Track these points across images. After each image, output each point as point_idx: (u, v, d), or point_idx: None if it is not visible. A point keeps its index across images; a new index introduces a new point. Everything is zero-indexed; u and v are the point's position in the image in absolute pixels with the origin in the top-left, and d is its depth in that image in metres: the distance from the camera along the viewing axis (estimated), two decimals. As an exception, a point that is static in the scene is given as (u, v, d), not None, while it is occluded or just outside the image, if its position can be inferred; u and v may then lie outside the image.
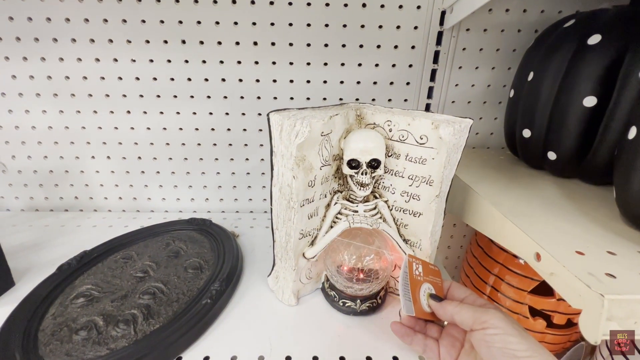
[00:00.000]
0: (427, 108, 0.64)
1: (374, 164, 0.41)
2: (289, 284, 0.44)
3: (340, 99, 0.62)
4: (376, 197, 0.44)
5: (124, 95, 0.61)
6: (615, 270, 0.29)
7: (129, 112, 0.62)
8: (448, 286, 0.36)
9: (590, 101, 0.42)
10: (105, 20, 0.55)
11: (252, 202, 0.72)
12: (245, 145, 0.66)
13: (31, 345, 0.36)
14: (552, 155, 0.48)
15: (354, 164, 0.41)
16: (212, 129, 0.64)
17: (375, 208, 0.44)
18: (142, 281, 0.46)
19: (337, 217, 0.43)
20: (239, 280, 0.49)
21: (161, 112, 0.62)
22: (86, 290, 0.44)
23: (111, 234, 0.57)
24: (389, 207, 0.44)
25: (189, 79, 0.60)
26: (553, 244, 0.33)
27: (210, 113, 0.63)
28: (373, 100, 0.63)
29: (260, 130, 0.64)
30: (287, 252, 0.42)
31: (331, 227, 0.43)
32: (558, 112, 0.45)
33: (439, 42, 0.59)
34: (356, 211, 0.43)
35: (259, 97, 0.62)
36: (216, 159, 0.67)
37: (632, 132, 0.34)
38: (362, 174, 0.41)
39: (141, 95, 0.61)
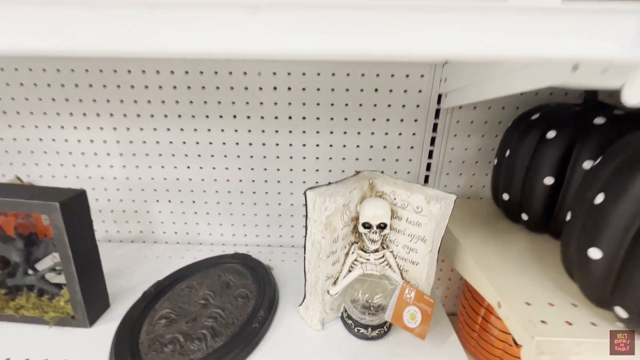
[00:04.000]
0: (428, 167, 0.77)
1: (382, 226, 0.54)
2: (316, 314, 0.58)
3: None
4: (384, 248, 0.58)
5: (186, 155, 0.77)
6: (549, 318, 0.41)
7: (188, 167, 0.79)
8: None
9: (549, 180, 0.54)
10: (177, 102, 0.72)
11: (282, 238, 0.86)
12: (279, 193, 0.81)
13: (136, 354, 0.51)
14: (525, 216, 0.60)
15: (367, 225, 0.54)
16: (253, 181, 0.80)
17: (383, 257, 0.57)
18: (205, 307, 0.60)
19: (353, 264, 0.57)
20: (277, 308, 0.63)
21: (213, 168, 0.78)
22: (166, 314, 0.58)
23: (172, 264, 0.72)
24: (393, 256, 0.58)
25: (237, 144, 0.76)
26: (510, 296, 0.45)
27: (252, 169, 0.78)
28: (383, 160, 0.77)
29: (291, 182, 0.79)
30: (316, 289, 0.56)
31: (349, 271, 0.57)
32: (527, 185, 0.57)
33: (437, 116, 0.73)
34: (368, 259, 0.56)
35: (291, 157, 0.77)
36: (254, 203, 0.82)
37: (568, 216, 0.47)
38: (373, 233, 0.54)
39: (199, 155, 0.77)
